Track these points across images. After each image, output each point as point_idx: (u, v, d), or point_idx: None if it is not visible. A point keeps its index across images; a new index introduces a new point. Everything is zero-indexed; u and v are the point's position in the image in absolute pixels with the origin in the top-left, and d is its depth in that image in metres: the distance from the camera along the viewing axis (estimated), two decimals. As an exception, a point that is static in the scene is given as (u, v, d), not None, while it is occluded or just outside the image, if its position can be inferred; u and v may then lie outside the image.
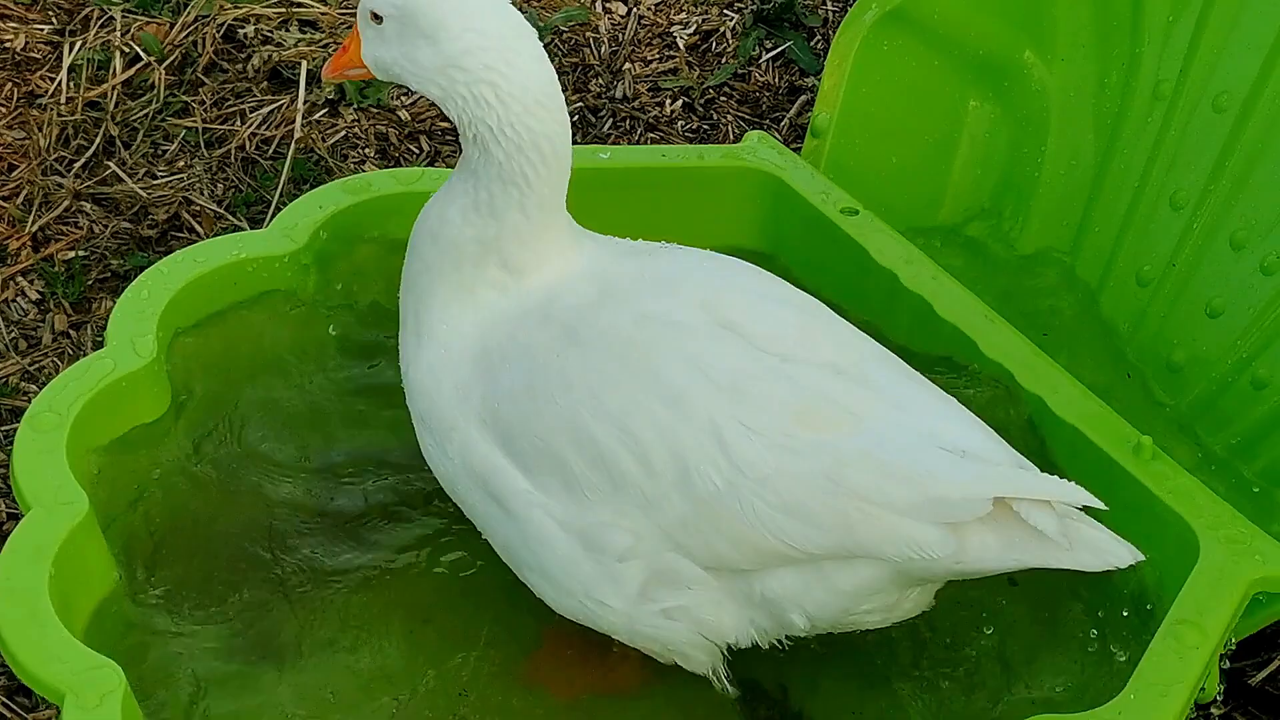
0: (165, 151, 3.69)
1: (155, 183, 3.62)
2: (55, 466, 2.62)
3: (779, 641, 2.58)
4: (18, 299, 3.39)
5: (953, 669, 2.75)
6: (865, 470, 2.38)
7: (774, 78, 3.89)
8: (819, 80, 3.79)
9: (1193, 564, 2.60)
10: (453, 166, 3.18)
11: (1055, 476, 2.42)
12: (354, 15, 4.01)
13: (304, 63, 3.80)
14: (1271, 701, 2.81)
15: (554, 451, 2.47)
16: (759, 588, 2.48)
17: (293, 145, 3.65)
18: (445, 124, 3.77)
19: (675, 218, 3.22)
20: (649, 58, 3.96)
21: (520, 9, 4.02)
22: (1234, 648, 2.60)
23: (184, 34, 3.87)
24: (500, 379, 2.55)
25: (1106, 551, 2.41)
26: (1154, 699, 2.42)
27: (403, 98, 3.81)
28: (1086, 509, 2.43)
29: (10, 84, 3.79)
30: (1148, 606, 2.68)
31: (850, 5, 4.03)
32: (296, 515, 2.95)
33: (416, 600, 2.86)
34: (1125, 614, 2.70)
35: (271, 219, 3.06)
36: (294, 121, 3.72)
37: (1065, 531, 2.39)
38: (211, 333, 2.95)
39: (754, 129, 3.59)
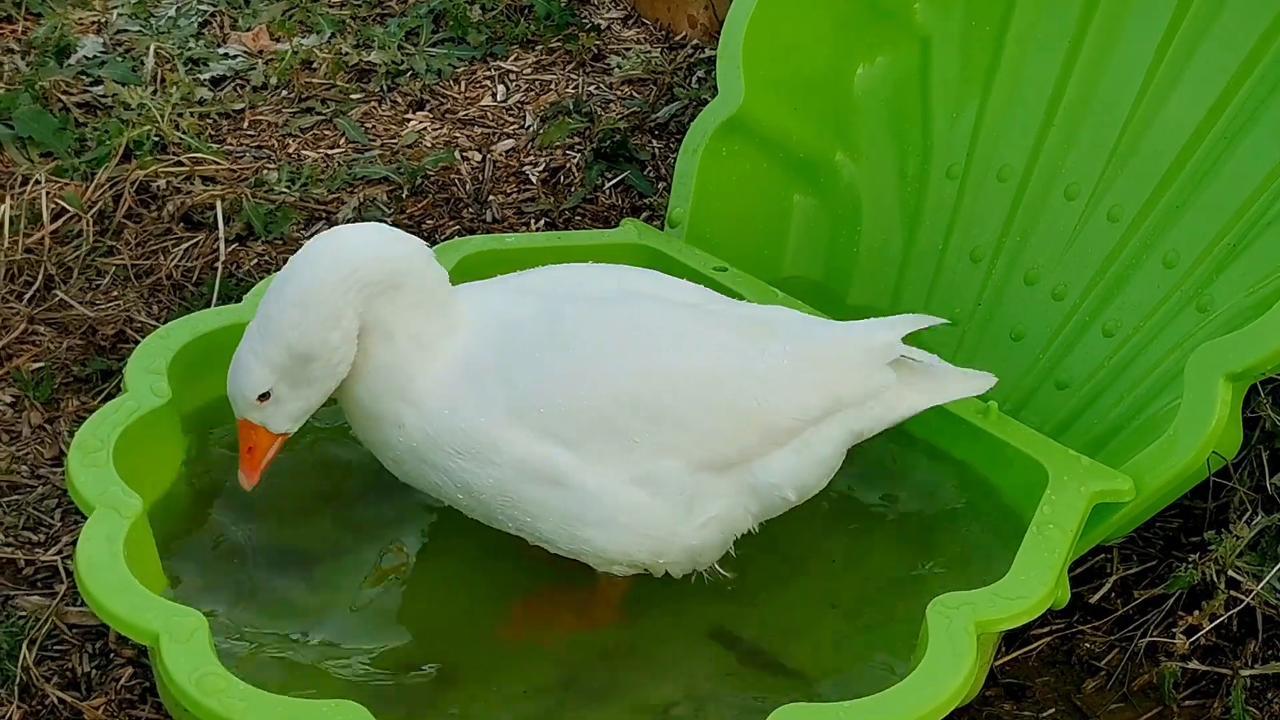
0: (99, 284, 4.20)
1: (97, 306, 4.12)
2: (108, 476, 3.08)
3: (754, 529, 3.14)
4: (-6, 403, 3.86)
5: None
6: (825, 355, 3.11)
7: (618, 200, 4.55)
8: (656, 199, 4.49)
9: (1043, 490, 3.27)
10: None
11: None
12: (247, 169, 4.60)
13: (218, 202, 4.35)
14: (1105, 613, 3.47)
15: (600, 417, 2.92)
16: (761, 478, 3.05)
17: (220, 267, 4.19)
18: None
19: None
20: (508, 190, 4.59)
21: (391, 158, 4.66)
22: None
23: (99, 192, 4.40)
24: (517, 384, 2.93)
25: (976, 378, 3.27)
26: (1034, 576, 3.01)
27: (303, 231, 4.39)
28: None
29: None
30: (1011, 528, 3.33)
31: (668, 144, 4.75)
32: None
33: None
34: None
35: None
36: (212, 253, 4.27)
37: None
38: (207, 383, 3.46)
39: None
